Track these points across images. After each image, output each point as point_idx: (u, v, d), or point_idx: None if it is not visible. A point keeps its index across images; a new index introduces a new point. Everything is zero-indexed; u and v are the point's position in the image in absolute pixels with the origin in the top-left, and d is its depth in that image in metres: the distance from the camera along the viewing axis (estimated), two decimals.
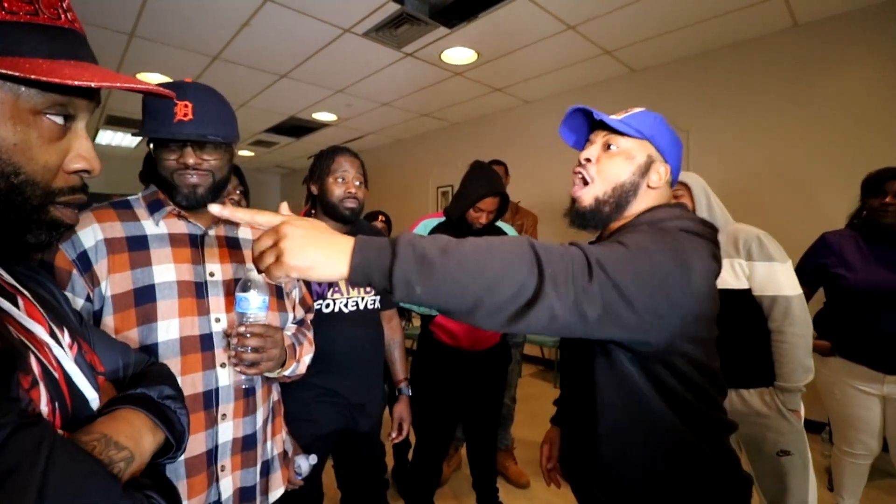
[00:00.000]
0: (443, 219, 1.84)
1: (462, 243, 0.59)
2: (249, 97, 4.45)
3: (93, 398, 0.53)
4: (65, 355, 0.51)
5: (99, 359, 0.61)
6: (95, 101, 0.51)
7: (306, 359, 1.03)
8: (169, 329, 0.83)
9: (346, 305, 1.39)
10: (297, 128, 5.55)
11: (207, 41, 3.27)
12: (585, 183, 0.86)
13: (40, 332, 0.49)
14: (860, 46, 2.76)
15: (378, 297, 1.48)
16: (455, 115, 5.09)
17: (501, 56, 3.52)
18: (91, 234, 0.81)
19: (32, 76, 0.40)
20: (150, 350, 0.81)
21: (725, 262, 1.48)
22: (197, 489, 0.83)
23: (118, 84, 0.45)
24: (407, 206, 5.96)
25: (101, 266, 0.80)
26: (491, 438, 1.92)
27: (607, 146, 0.84)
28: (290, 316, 1.06)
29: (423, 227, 1.83)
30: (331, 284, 1.37)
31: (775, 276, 1.46)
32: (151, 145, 0.89)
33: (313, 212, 1.47)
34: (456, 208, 1.76)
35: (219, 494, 0.86)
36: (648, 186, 0.83)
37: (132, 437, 0.50)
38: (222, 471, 0.87)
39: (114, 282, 0.80)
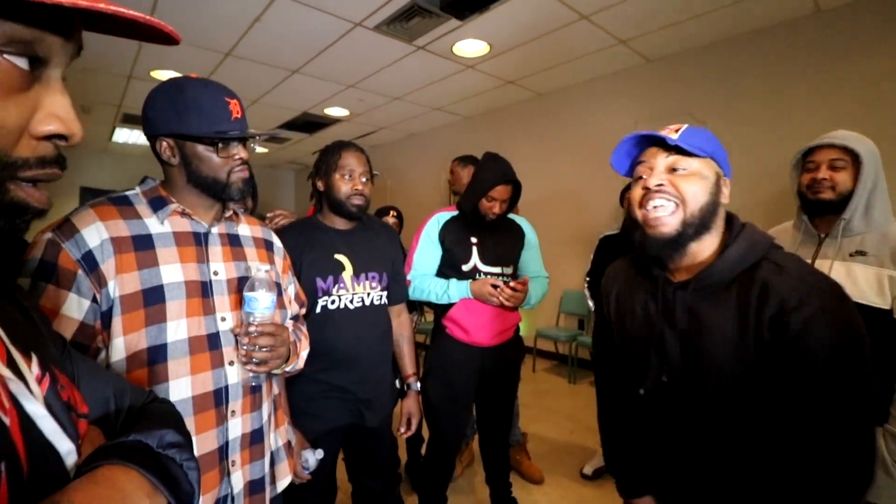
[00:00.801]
0: (456, 213, 1.83)
1: None
2: (262, 93, 4.48)
3: (67, 451, 0.38)
4: (26, 392, 0.36)
5: (82, 396, 0.46)
6: (74, 40, 0.37)
7: (304, 354, 1.07)
8: (178, 329, 0.83)
9: (351, 301, 1.39)
10: (310, 123, 5.57)
11: (219, 38, 3.29)
12: (660, 208, 0.82)
13: None
14: (885, 32, 2.65)
15: (385, 293, 1.47)
16: (467, 108, 5.05)
17: (514, 48, 3.48)
18: (95, 232, 0.79)
19: None
20: (159, 351, 0.80)
21: (870, 270, 1.23)
22: (209, 485, 0.84)
23: (101, 5, 0.32)
24: (419, 200, 5.95)
25: (108, 266, 0.78)
26: (504, 433, 1.91)
27: (673, 169, 0.81)
28: (288, 312, 1.07)
29: (436, 220, 1.82)
30: (336, 280, 1.37)
31: None
32: (169, 144, 0.86)
33: (319, 208, 1.46)
34: (468, 199, 1.75)
35: (230, 488, 0.88)
36: (722, 203, 0.83)
37: None
38: (233, 466, 0.88)
39: (122, 282, 0.79)
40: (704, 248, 0.82)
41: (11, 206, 0.35)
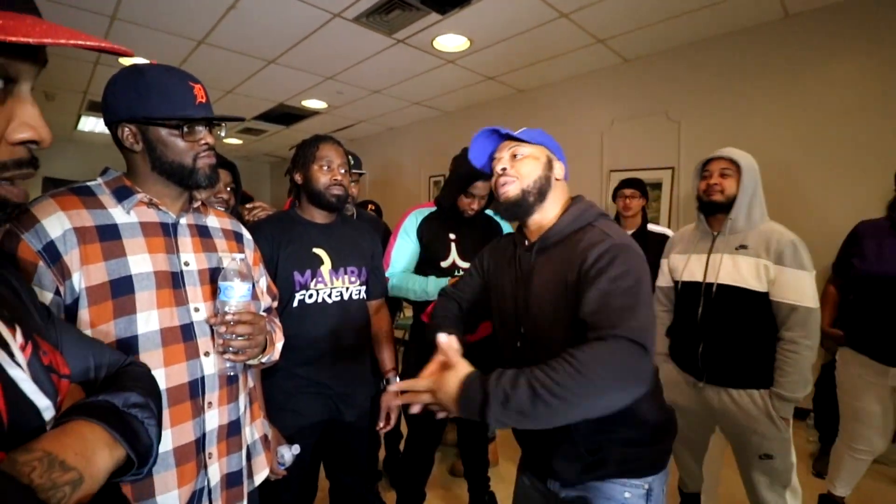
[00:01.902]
0: (434, 209, 1.82)
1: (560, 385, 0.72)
2: (237, 83, 4.36)
3: (45, 406, 0.46)
4: (7, 359, 0.44)
5: (65, 359, 0.54)
6: (40, 61, 0.44)
7: (279, 345, 1.06)
8: (149, 321, 0.80)
9: (329, 296, 1.38)
10: (287, 115, 5.46)
11: (192, 24, 3.18)
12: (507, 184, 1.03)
13: None
14: (850, 37, 2.76)
15: (363, 288, 1.46)
16: (447, 103, 5.03)
17: (494, 44, 3.48)
18: (57, 222, 0.75)
19: None
20: (130, 343, 0.78)
21: (751, 261, 1.49)
22: (187, 477, 0.83)
23: (63, 40, 0.38)
24: (398, 195, 5.92)
25: (71, 257, 0.75)
26: (483, 428, 1.93)
27: (514, 156, 1.03)
28: (261, 304, 1.06)
29: (414, 217, 1.81)
30: (314, 274, 1.35)
31: (802, 286, 1.42)
32: (131, 130, 0.84)
33: (298, 202, 1.44)
34: (447, 195, 1.75)
35: (207, 481, 0.87)
36: (555, 179, 1.04)
37: (83, 455, 0.44)
38: (210, 458, 0.88)
39: (88, 273, 0.76)
40: (546, 215, 1.03)
41: None
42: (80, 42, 0.40)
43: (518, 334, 1.04)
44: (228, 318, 0.85)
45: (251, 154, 8.04)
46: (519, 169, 1.01)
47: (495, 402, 0.72)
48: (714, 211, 1.60)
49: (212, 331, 0.88)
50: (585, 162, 3.97)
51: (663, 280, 1.81)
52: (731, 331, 1.53)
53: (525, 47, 3.54)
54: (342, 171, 1.36)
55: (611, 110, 3.88)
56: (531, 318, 1.00)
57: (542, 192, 1.01)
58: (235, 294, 0.85)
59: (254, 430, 1.04)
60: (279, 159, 8.53)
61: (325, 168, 1.34)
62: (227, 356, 0.87)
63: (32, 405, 0.45)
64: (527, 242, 1.06)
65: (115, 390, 0.55)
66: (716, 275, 1.55)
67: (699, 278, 1.61)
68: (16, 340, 0.46)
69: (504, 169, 1.02)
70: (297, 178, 1.38)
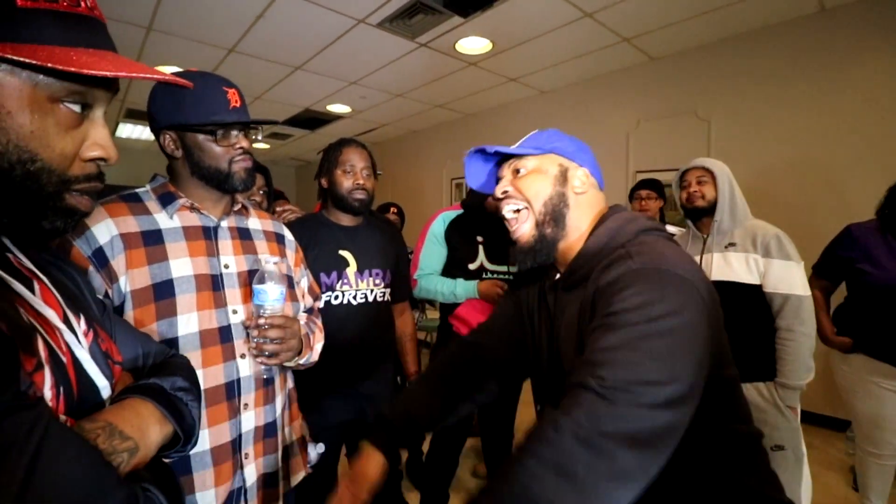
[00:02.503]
0: (461, 211, 1.83)
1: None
2: (265, 89, 4.47)
3: (103, 386, 0.53)
4: (76, 342, 0.51)
5: (118, 348, 0.60)
6: (113, 90, 0.51)
7: (318, 347, 1.06)
8: (189, 323, 0.83)
9: (354, 297, 1.39)
10: (312, 120, 5.57)
11: (223, 34, 3.29)
12: (517, 212, 0.82)
13: (53, 317, 0.49)
14: (889, 30, 2.64)
15: (388, 290, 1.48)
16: (469, 105, 5.04)
17: (517, 45, 3.47)
18: (105, 229, 0.80)
19: (49, 64, 0.40)
20: (171, 344, 0.81)
21: (740, 256, 1.58)
22: (223, 477, 0.85)
23: (135, 74, 0.45)
24: (421, 198, 5.96)
25: (118, 262, 0.79)
26: (508, 433, 1.92)
27: (516, 172, 0.83)
28: (301, 305, 1.07)
29: (442, 219, 1.82)
30: (339, 276, 1.37)
31: (791, 275, 1.50)
32: (171, 137, 0.87)
33: (325, 205, 1.47)
34: (474, 198, 1.75)
35: (243, 481, 0.88)
36: (575, 193, 0.81)
37: (138, 428, 0.50)
38: (246, 458, 0.89)
39: (132, 277, 0.80)
40: (571, 238, 0.80)
41: (67, 210, 0.48)
42: (148, 75, 0.47)
43: (546, 387, 0.86)
44: (261, 321, 0.86)
45: (277, 158, 8.22)
46: (524, 189, 0.80)
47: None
48: (700, 215, 1.72)
49: (248, 333, 0.89)
50: (610, 164, 3.92)
51: None
52: (730, 326, 1.48)
53: (548, 48, 3.52)
54: (365, 174, 1.38)
55: (637, 110, 3.81)
56: (557, 371, 0.79)
57: (557, 216, 0.79)
58: (269, 298, 0.86)
59: (292, 430, 1.04)
60: (304, 163, 8.70)
61: (348, 172, 1.37)
62: (259, 359, 0.88)
63: (93, 384, 0.51)
64: (556, 275, 0.84)
65: (163, 375, 0.61)
66: (709, 272, 1.63)
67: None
68: (80, 327, 0.53)
69: (505, 192, 0.82)
70: (323, 182, 1.41)
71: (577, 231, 0.80)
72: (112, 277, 0.78)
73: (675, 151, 3.58)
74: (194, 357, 0.82)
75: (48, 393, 0.43)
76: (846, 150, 2.82)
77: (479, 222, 1.77)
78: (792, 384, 1.47)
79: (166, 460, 0.58)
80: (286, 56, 3.69)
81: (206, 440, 0.83)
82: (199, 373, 0.82)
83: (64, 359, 0.47)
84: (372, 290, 1.43)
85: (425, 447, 2.05)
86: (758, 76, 3.16)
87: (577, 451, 0.52)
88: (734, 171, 1.73)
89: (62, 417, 0.44)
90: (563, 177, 0.81)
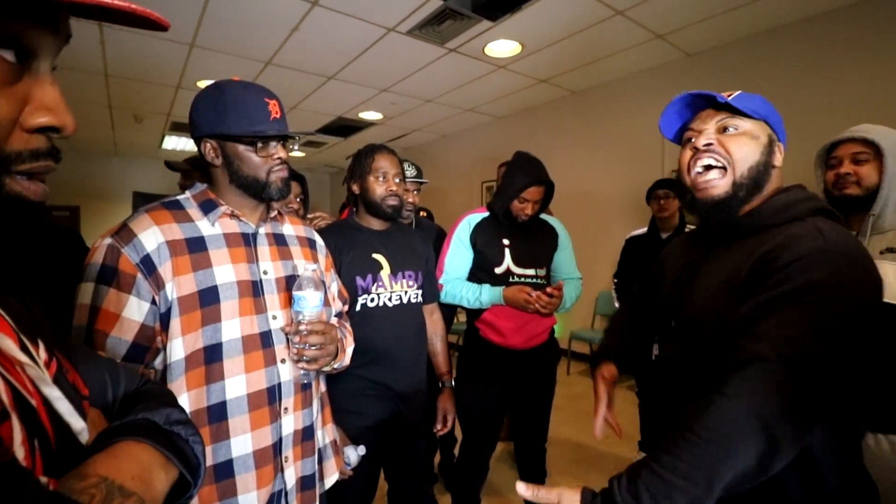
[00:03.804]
0: (487, 214, 1.82)
1: (685, 452, 0.59)
2: (299, 100, 4.62)
3: (80, 429, 0.41)
4: (42, 376, 0.38)
5: (83, 379, 0.48)
6: (62, 33, 0.37)
7: (349, 350, 1.08)
8: (232, 328, 0.84)
9: (389, 299, 1.41)
10: (345, 127, 5.70)
11: (260, 47, 3.42)
12: (709, 170, 0.79)
13: (9, 346, 0.36)
14: None
15: (420, 291, 1.49)
16: (499, 108, 5.03)
17: (546, 46, 3.44)
18: (152, 236, 0.81)
19: None
20: (215, 350, 0.83)
21: None
22: (265, 480, 0.86)
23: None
24: (452, 201, 5.98)
25: (165, 269, 0.80)
26: (540, 437, 1.89)
27: (723, 129, 0.79)
28: (332, 309, 1.09)
29: (467, 223, 1.82)
30: (374, 278, 1.40)
31: None
32: (212, 146, 0.90)
33: (356, 210, 1.50)
34: (500, 201, 1.74)
35: (284, 484, 0.90)
36: (774, 166, 0.79)
37: (141, 479, 0.40)
38: (286, 461, 0.90)
39: (179, 284, 0.81)
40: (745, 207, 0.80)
41: (8, 200, 0.35)
42: (111, 1, 0.33)
43: (669, 327, 0.87)
44: (301, 328, 0.88)
45: (312, 166, 8.45)
46: (731, 149, 0.77)
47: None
48: (850, 208, 1.25)
49: (287, 339, 0.92)
50: (645, 164, 3.82)
51: None
52: (885, 358, 1.15)
53: (578, 48, 3.47)
54: (397, 180, 1.40)
55: None
56: (686, 314, 0.82)
57: (758, 184, 0.77)
58: (308, 304, 0.87)
59: (325, 433, 1.06)
60: (338, 170, 8.90)
61: (381, 179, 1.39)
62: (300, 365, 0.90)
63: (69, 427, 0.40)
64: (712, 231, 0.86)
65: (151, 408, 0.49)
66: None
67: None
68: (40, 356, 0.40)
69: (709, 145, 0.78)
70: (355, 188, 1.44)
71: (761, 198, 0.79)
72: (159, 284, 0.80)
73: None
74: (237, 362, 0.84)
75: (20, 451, 0.32)
76: None
77: (505, 225, 1.76)
78: None
79: None
80: (320, 66, 3.80)
81: (248, 444, 0.84)
82: (242, 378, 0.85)
83: (33, 401, 0.36)
84: (406, 292, 1.45)
85: (456, 450, 2.05)
86: (799, 69, 3.01)
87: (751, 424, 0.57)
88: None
89: (42, 479, 0.33)
90: (770, 148, 0.79)
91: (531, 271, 1.76)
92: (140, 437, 0.44)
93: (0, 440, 0.30)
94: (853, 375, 0.62)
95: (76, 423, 0.41)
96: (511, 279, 1.73)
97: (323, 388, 1.08)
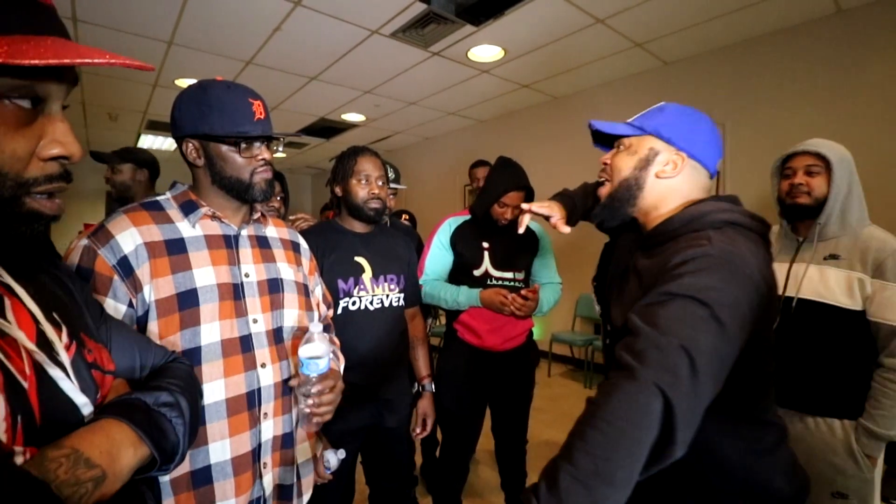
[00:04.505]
0: (468, 217, 1.84)
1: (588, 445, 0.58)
2: (281, 100, 4.57)
3: (83, 403, 0.49)
4: (48, 360, 0.47)
5: (112, 356, 0.57)
6: (68, 79, 0.46)
7: (341, 367, 1.08)
8: (211, 332, 0.82)
9: (371, 303, 1.41)
10: (327, 129, 5.66)
11: (241, 46, 3.37)
12: (602, 185, 0.94)
13: (21, 338, 0.45)
14: None
15: (402, 295, 1.49)
16: (482, 112, 5.07)
17: (529, 52, 3.49)
18: (129, 238, 0.79)
19: None
20: (194, 353, 0.80)
21: (841, 274, 1.29)
22: (244, 487, 0.84)
23: (80, 60, 0.39)
24: (434, 204, 5.98)
25: (143, 271, 0.78)
26: (520, 438, 1.91)
27: (619, 147, 0.90)
28: (315, 314, 1.07)
29: (448, 225, 1.83)
30: (356, 281, 1.39)
31: None
32: (194, 146, 0.88)
33: (338, 212, 1.49)
34: (481, 204, 1.76)
35: (262, 491, 0.88)
36: (658, 177, 0.85)
37: (107, 453, 0.46)
38: (265, 468, 0.88)
39: (157, 286, 0.79)
40: (656, 216, 0.86)
41: (29, 215, 0.44)
42: (101, 60, 0.41)
43: (606, 331, 0.95)
44: (314, 390, 0.88)
45: (294, 167, 8.36)
46: (613, 166, 0.90)
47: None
48: (800, 215, 1.37)
49: (289, 390, 0.91)
50: None
51: None
52: (812, 351, 1.34)
53: (560, 54, 3.53)
54: (380, 183, 1.40)
55: None
56: (614, 317, 0.89)
57: (625, 196, 0.87)
58: (319, 367, 0.87)
59: (306, 448, 1.03)
60: (320, 171, 8.82)
61: (363, 182, 1.38)
62: (315, 420, 0.91)
63: (71, 402, 0.48)
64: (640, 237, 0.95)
65: (149, 389, 0.58)
66: (797, 288, 1.35)
67: (777, 291, 1.43)
68: (61, 341, 0.49)
69: (605, 164, 0.92)
70: (337, 190, 1.43)
71: (654, 210, 0.86)
72: (136, 287, 0.78)
73: None
74: (216, 366, 0.82)
75: (1, 424, 0.40)
76: (865, 153, 2.75)
77: (485, 228, 1.78)
78: (880, 432, 1.22)
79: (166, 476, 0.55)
80: (302, 67, 3.77)
81: (227, 450, 0.82)
82: (221, 382, 0.82)
83: (25, 384, 0.43)
84: (387, 296, 1.45)
85: (438, 453, 2.05)
86: (773, 79, 3.12)
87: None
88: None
89: (18, 448, 0.41)
90: (647, 161, 0.85)
91: (509, 274, 1.78)
92: (121, 416, 0.51)
93: None
94: (742, 364, 0.67)
95: (78, 398, 0.49)
96: (489, 281, 1.74)
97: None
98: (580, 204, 1.32)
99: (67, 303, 0.55)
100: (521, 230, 1.28)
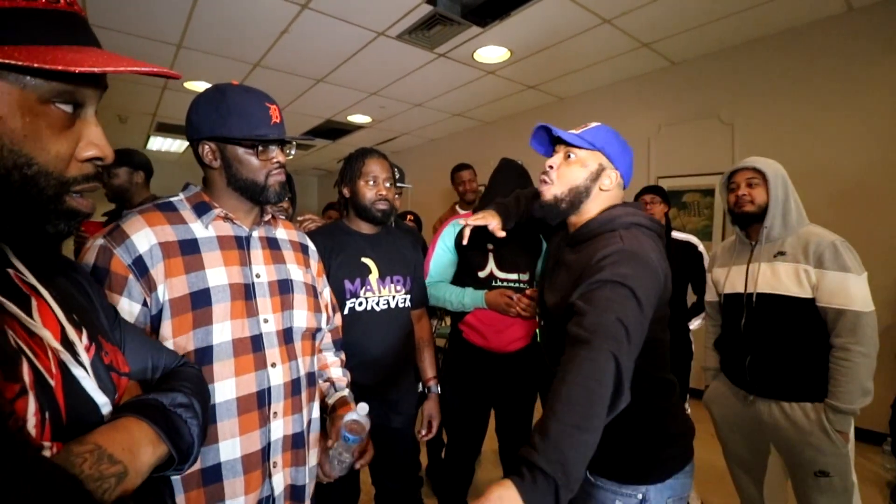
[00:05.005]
0: None
1: (557, 420, 0.72)
2: (288, 102, 4.60)
3: (103, 402, 0.51)
4: (73, 360, 0.49)
5: (126, 359, 0.59)
6: (102, 86, 0.50)
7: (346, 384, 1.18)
8: (223, 331, 0.84)
9: (377, 304, 1.41)
10: (334, 130, 5.68)
11: (249, 49, 3.40)
12: (543, 184, 1.06)
13: (48, 337, 0.47)
14: None
15: (408, 296, 1.49)
16: (487, 113, 5.07)
17: (535, 53, 3.49)
18: (144, 238, 0.81)
19: (35, 64, 0.39)
20: (205, 353, 0.82)
21: (789, 267, 1.46)
22: (253, 485, 0.85)
23: (122, 68, 0.44)
24: (439, 205, 5.98)
25: (157, 270, 0.80)
26: (524, 439, 1.90)
27: (567, 156, 1.03)
28: (324, 316, 1.07)
29: (452, 227, 1.83)
30: (363, 282, 1.40)
31: (847, 288, 1.36)
32: (211, 148, 0.89)
33: (346, 213, 1.50)
34: (484, 206, 1.75)
35: (272, 490, 0.88)
36: (601, 189, 1.03)
37: (129, 450, 0.48)
38: (274, 467, 0.89)
39: (171, 286, 0.80)
40: (582, 217, 1.04)
41: (69, 212, 0.48)
42: (136, 69, 0.46)
43: (540, 322, 1.08)
44: (346, 455, 0.99)
45: (300, 168, 8.41)
46: (563, 173, 1.03)
47: (562, 484, 0.68)
48: (749, 222, 1.58)
49: (298, 390, 0.96)
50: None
51: (710, 294, 1.79)
52: (776, 341, 1.49)
53: (566, 55, 3.52)
54: (387, 185, 1.41)
55: (658, 115, 3.77)
56: (546, 309, 1.05)
57: (575, 201, 1.03)
58: (360, 439, 0.99)
59: (319, 453, 1.03)
60: (326, 172, 8.87)
61: (371, 183, 1.39)
62: (340, 468, 1.01)
63: (92, 401, 0.50)
64: (567, 235, 1.10)
65: (164, 390, 0.60)
66: (755, 284, 1.53)
67: (740, 289, 1.58)
68: (81, 342, 0.52)
69: (551, 167, 1.04)
70: (345, 191, 1.44)
71: (587, 213, 1.04)
72: (151, 286, 0.79)
73: (697, 156, 3.53)
74: (227, 365, 0.83)
75: (32, 420, 0.42)
76: (875, 152, 2.73)
77: (489, 230, 1.77)
78: (843, 407, 1.34)
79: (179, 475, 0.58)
80: (309, 69, 3.79)
81: (237, 448, 0.84)
82: (232, 381, 0.83)
83: (52, 382, 0.46)
84: (394, 297, 1.45)
85: (444, 454, 2.05)
86: (783, 78, 3.09)
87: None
88: None
89: (47, 444, 0.43)
90: (597, 174, 1.02)
91: (514, 276, 1.77)
92: (141, 415, 0.53)
93: (14, 412, 0.40)
94: (649, 332, 0.85)
95: (99, 398, 0.51)
96: (494, 283, 1.74)
97: (315, 414, 1.04)
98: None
99: (85, 305, 0.57)
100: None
